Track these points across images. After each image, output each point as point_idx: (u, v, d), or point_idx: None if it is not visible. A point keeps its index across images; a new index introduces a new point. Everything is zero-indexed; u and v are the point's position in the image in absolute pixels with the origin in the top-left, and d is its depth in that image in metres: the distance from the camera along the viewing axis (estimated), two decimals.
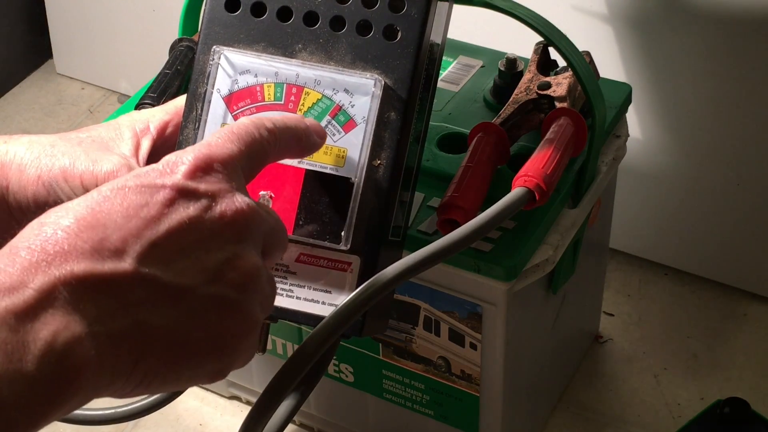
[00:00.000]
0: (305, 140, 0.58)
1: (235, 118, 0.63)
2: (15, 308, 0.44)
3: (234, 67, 0.63)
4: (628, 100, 1.03)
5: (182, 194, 0.50)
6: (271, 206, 0.62)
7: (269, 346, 1.08)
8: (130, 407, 0.74)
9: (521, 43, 1.01)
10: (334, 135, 0.62)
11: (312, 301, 0.64)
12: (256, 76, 0.63)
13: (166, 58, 0.92)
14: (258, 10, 0.64)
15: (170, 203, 0.49)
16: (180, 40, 0.94)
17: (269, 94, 0.63)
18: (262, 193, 0.63)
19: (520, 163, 0.82)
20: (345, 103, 0.63)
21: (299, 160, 0.63)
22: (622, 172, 1.14)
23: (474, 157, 0.87)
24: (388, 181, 0.62)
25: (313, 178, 0.63)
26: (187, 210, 0.49)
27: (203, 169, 0.51)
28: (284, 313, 0.64)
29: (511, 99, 0.94)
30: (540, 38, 0.90)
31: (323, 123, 0.62)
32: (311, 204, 0.63)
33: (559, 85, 0.93)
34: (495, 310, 0.92)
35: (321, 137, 0.60)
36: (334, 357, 1.03)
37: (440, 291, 0.94)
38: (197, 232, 0.49)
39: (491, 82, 1.03)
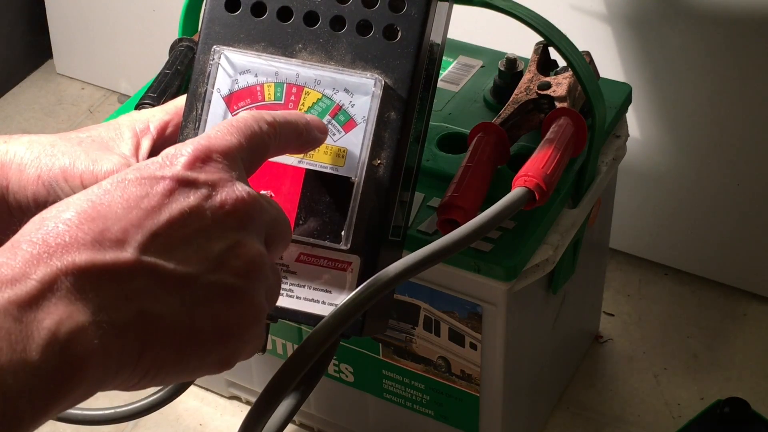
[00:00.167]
0: (306, 135, 0.58)
1: None
2: (17, 299, 0.44)
3: (234, 66, 0.63)
4: (628, 100, 1.03)
5: (182, 184, 0.50)
6: None
7: (269, 346, 1.08)
8: (130, 407, 0.74)
9: (521, 43, 1.01)
10: (334, 135, 0.62)
11: (312, 300, 0.64)
12: (256, 75, 0.63)
13: (166, 58, 0.92)
14: (258, 9, 0.64)
15: (170, 193, 0.50)
16: (180, 40, 0.94)
17: (269, 94, 0.63)
18: (262, 192, 0.63)
19: (520, 163, 0.82)
20: (345, 102, 0.63)
21: (299, 159, 0.63)
22: (622, 172, 1.14)
23: (474, 157, 0.87)
24: (388, 180, 0.62)
25: (313, 177, 0.63)
26: (188, 199, 0.50)
27: (202, 159, 0.51)
28: (284, 313, 0.64)
29: (511, 99, 0.94)
30: (540, 38, 0.90)
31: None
32: (311, 203, 0.63)
33: (559, 85, 0.93)
34: (495, 310, 0.92)
35: (322, 132, 0.60)
36: (334, 357, 1.03)
37: (440, 291, 0.94)
38: (198, 221, 0.50)
39: (491, 82, 1.03)
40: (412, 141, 0.64)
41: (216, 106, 0.63)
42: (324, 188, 0.63)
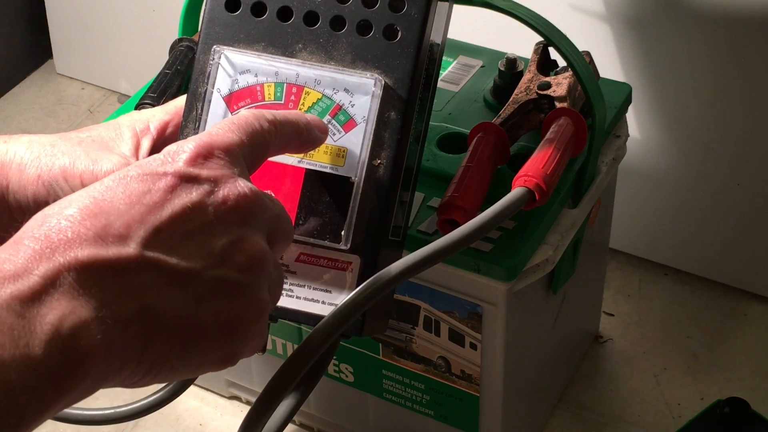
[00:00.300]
0: (306, 134, 0.59)
1: None
2: (20, 294, 0.44)
3: (234, 66, 0.63)
4: (628, 100, 1.03)
5: (184, 180, 0.50)
6: None
7: (269, 346, 1.08)
8: (130, 407, 0.74)
9: (521, 43, 1.01)
10: (334, 134, 0.62)
11: (312, 300, 0.63)
12: (256, 75, 0.63)
13: (166, 58, 0.92)
14: (258, 9, 0.64)
15: (172, 189, 0.50)
16: (180, 40, 0.94)
17: (269, 94, 0.63)
18: None
19: (520, 163, 0.82)
20: (345, 102, 0.63)
21: (299, 159, 0.63)
22: (622, 172, 1.14)
23: (474, 157, 0.87)
24: (388, 180, 0.62)
25: (313, 177, 0.63)
26: (190, 195, 0.50)
27: (204, 156, 0.51)
28: (284, 313, 0.64)
29: (511, 99, 0.94)
30: (540, 38, 0.90)
31: None
32: (311, 203, 0.63)
33: (559, 85, 0.93)
34: (495, 310, 0.92)
35: (323, 132, 0.60)
36: (334, 357, 1.03)
37: (440, 291, 0.94)
38: (201, 217, 0.50)
39: (491, 82, 1.03)
40: (412, 141, 0.64)
41: (216, 106, 0.63)
42: (324, 188, 0.63)
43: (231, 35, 0.64)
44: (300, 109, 0.63)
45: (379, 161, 0.63)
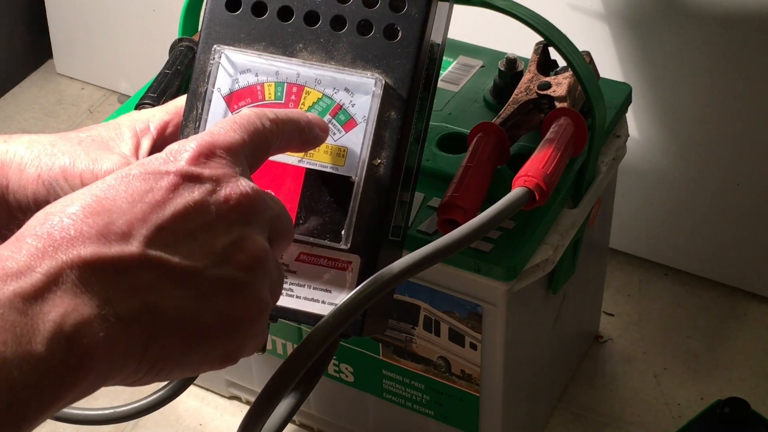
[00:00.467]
0: (308, 132, 0.59)
1: None
2: (23, 291, 0.44)
3: (234, 66, 0.63)
4: (628, 100, 1.03)
5: (186, 179, 0.50)
6: None
7: (269, 346, 1.08)
8: (130, 407, 0.74)
9: (521, 43, 1.01)
10: (334, 134, 0.62)
11: (312, 300, 0.63)
12: (256, 75, 0.63)
13: (166, 58, 0.92)
14: (259, 9, 0.64)
15: (174, 188, 0.50)
16: (180, 40, 0.94)
17: (270, 93, 0.63)
18: None
19: (520, 163, 0.82)
20: (345, 102, 0.63)
21: (299, 159, 0.63)
22: (622, 172, 1.14)
23: (474, 157, 0.87)
24: (389, 180, 0.62)
25: (314, 177, 0.63)
26: (192, 194, 0.50)
27: (206, 155, 0.51)
28: (284, 313, 0.64)
29: (511, 99, 0.94)
30: (540, 38, 0.90)
31: None
32: (311, 203, 0.63)
33: (559, 85, 0.93)
34: (495, 310, 0.92)
35: (323, 131, 0.60)
36: (334, 357, 1.03)
37: (440, 291, 0.94)
38: (203, 216, 0.50)
39: (491, 82, 1.03)
40: (412, 141, 0.64)
41: (216, 106, 0.63)
42: (324, 188, 0.63)
43: (231, 35, 0.64)
44: (300, 109, 0.63)
45: (379, 161, 0.63)
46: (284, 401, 0.62)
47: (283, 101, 0.63)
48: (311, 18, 0.64)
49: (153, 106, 0.84)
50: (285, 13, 0.64)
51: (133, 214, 0.48)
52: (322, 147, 0.63)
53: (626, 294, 1.29)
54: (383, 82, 0.62)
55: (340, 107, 0.63)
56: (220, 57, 0.64)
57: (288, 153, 0.63)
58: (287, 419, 0.62)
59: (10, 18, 1.59)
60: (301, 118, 0.58)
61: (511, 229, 0.91)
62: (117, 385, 0.48)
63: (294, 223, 0.63)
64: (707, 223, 1.24)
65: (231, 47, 0.64)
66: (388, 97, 0.62)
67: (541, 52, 0.98)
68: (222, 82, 0.63)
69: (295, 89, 0.63)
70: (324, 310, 0.63)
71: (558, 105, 0.92)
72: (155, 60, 1.14)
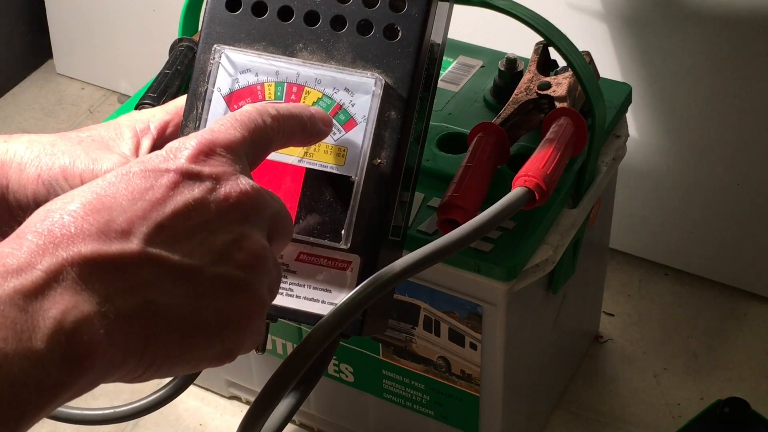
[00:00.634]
0: (310, 127, 0.59)
1: None
2: (23, 288, 0.44)
3: (235, 66, 0.63)
4: (628, 100, 1.03)
5: (186, 177, 0.50)
6: None
7: (269, 346, 1.08)
8: (130, 407, 0.74)
9: (521, 43, 1.01)
10: (334, 134, 0.63)
11: (312, 300, 0.64)
12: (256, 74, 0.63)
13: (166, 58, 0.92)
14: (259, 9, 0.64)
15: (175, 186, 0.50)
16: (180, 40, 0.94)
17: (270, 93, 0.63)
18: None
19: (520, 163, 0.82)
20: (345, 101, 0.63)
21: (299, 158, 0.63)
22: (622, 172, 1.14)
23: (474, 157, 0.87)
24: (389, 179, 0.63)
25: (314, 176, 0.63)
26: (192, 192, 0.50)
27: (206, 153, 0.51)
28: (284, 312, 0.64)
29: (511, 99, 0.94)
30: (540, 38, 0.90)
31: None
32: (311, 202, 0.63)
33: (559, 85, 0.93)
34: (495, 310, 0.92)
35: (327, 125, 0.60)
36: (334, 357, 1.03)
37: (440, 291, 0.94)
38: (203, 214, 0.50)
39: (491, 82, 1.03)
40: (412, 141, 0.65)
41: (216, 105, 0.63)
42: (324, 187, 0.63)
43: (232, 34, 0.64)
44: None
45: (379, 160, 0.63)
46: (284, 401, 0.62)
47: (283, 101, 0.63)
48: (311, 18, 0.64)
49: (153, 106, 0.84)
50: (285, 13, 0.64)
51: (133, 211, 0.48)
52: (322, 146, 0.63)
53: (626, 294, 1.29)
54: (383, 81, 0.62)
55: (340, 107, 0.63)
56: (221, 57, 0.64)
57: (288, 152, 0.63)
58: (287, 419, 0.62)
59: (10, 18, 1.59)
60: (303, 113, 0.58)
61: (511, 229, 0.91)
62: (117, 381, 0.48)
63: (294, 223, 0.63)
64: (707, 223, 1.24)
65: (231, 47, 0.64)
66: (388, 97, 0.62)
67: (541, 52, 0.98)
68: (222, 82, 0.63)
69: (295, 89, 0.63)
70: (324, 309, 0.63)
71: (558, 105, 0.92)
72: (155, 60, 1.14)
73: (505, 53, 1.01)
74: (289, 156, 0.63)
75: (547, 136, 0.87)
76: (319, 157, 0.63)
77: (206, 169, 0.51)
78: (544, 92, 0.93)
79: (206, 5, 0.65)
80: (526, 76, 0.96)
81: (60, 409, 0.73)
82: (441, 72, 1.03)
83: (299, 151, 0.63)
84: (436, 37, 0.66)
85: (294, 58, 0.63)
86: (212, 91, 0.63)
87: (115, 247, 0.47)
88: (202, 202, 0.50)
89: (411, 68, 0.63)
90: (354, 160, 0.62)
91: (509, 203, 0.71)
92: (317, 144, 0.62)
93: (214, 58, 0.64)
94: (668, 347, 1.23)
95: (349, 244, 0.62)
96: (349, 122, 0.63)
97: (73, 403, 0.72)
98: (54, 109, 1.58)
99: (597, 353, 1.22)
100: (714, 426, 1.07)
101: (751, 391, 1.17)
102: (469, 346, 0.96)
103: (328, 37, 0.63)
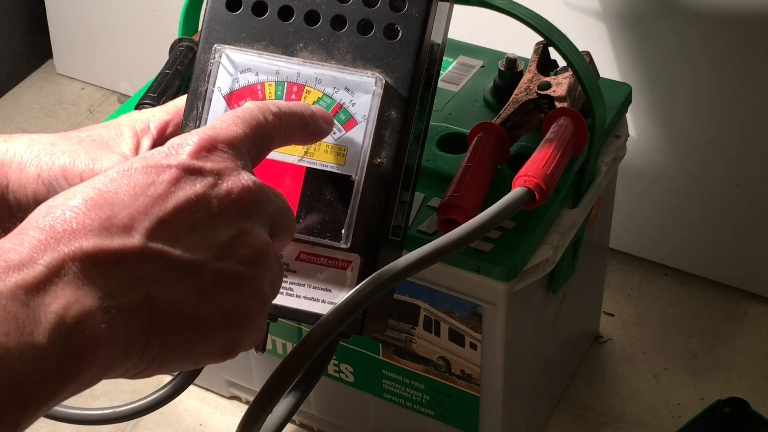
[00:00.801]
0: (312, 125, 0.59)
1: None
2: (24, 283, 0.44)
3: (235, 65, 0.63)
4: (628, 100, 1.03)
5: (188, 172, 0.50)
6: None
7: (269, 345, 1.08)
8: (130, 407, 0.74)
9: (521, 43, 1.01)
10: (334, 133, 0.63)
11: (312, 299, 0.64)
12: (257, 74, 0.63)
13: (166, 58, 0.92)
14: (259, 9, 0.64)
15: (176, 181, 0.50)
16: (180, 40, 0.94)
17: (270, 93, 0.63)
18: None
19: (520, 163, 0.82)
20: (346, 101, 0.63)
21: (300, 158, 0.63)
22: (622, 172, 1.14)
23: (474, 157, 0.87)
24: (389, 179, 0.63)
25: (314, 176, 0.63)
26: (194, 187, 0.50)
27: (208, 148, 0.52)
28: (284, 312, 0.64)
29: (511, 99, 0.94)
30: (540, 38, 0.90)
31: None
32: (311, 202, 0.63)
33: (559, 85, 0.93)
34: (495, 310, 0.92)
35: (328, 123, 0.60)
36: (334, 357, 1.03)
37: (440, 291, 0.94)
38: (205, 209, 0.50)
39: (491, 82, 1.03)
40: (412, 141, 0.65)
41: (217, 105, 0.63)
42: (324, 187, 0.63)
43: (232, 34, 0.64)
44: None
45: (379, 160, 0.63)
46: (284, 401, 0.62)
47: (283, 100, 0.63)
48: (312, 17, 0.64)
49: (153, 106, 0.84)
50: (285, 13, 0.64)
51: (135, 207, 0.48)
52: (323, 146, 0.63)
53: (626, 294, 1.29)
54: (383, 81, 0.62)
55: (341, 106, 0.63)
56: (221, 56, 0.64)
57: (288, 151, 0.63)
58: (287, 419, 0.62)
59: (10, 18, 1.59)
60: (304, 111, 0.58)
61: (511, 229, 0.91)
62: (119, 378, 0.48)
63: None
64: (707, 223, 1.24)
65: (231, 46, 0.64)
66: (388, 97, 0.63)
67: (541, 52, 0.98)
68: (222, 82, 0.63)
69: (295, 88, 0.63)
70: (324, 309, 0.63)
71: (558, 105, 0.92)
72: (155, 60, 1.14)
73: (505, 53, 1.01)
74: (289, 155, 0.63)
75: (547, 136, 0.87)
76: (320, 157, 0.63)
77: (208, 164, 0.51)
78: (544, 92, 0.93)
79: (206, 5, 0.65)
80: (526, 76, 0.96)
81: (60, 409, 0.73)
82: (441, 72, 1.04)
83: (299, 150, 0.63)
84: (436, 37, 0.66)
85: (294, 58, 0.63)
86: (212, 91, 0.64)
87: (117, 241, 0.47)
88: (203, 197, 0.50)
89: (411, 68, 0.63)
90: (354, 160, 0.62)
91: (509, 203, 0.71)
92: (317, 143, 0.62)
93: (214, 57, 0.64)
94: (668, 347, 1.23)
95: (349, 244, 0.62)
96: (350, 122, 0.63)
97: (73, 402, 0.72)
98: (54, 109, 1.59)
99: (597, 353, 1.22)
100: (714, 426, 1.07)
101: (751, 391, 1.17)
102: (469, 346, 0.96)
103: (329, 36, 0.63)
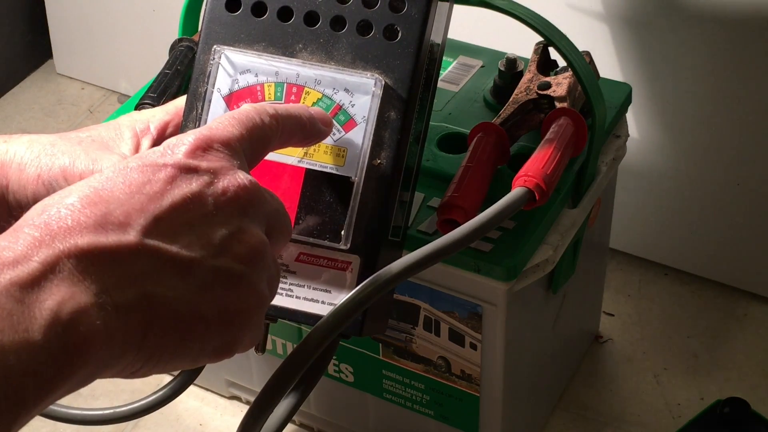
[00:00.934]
0: (310, 127, 0.59)
1: None
2: (19, 280, 0.44)
3: (234, 66, 0.63)
4: (628, 100, 1.03)
5: (184, 171, 0.50)
6: None
7: (269, 346, 1.08)
8: (129, 407, 0.74)
9: (521, 43, 1.01)
10: (334, 134, 0.63)
11: (311, 300, 0.64)
12: (256, 75, 0.63)
13: (166, 58, 0.92)
14: (258, 10, 0.64)
15: (172, 180, 0.50)
16: (180, 40, 0.94)
17: (269, 94, 0.63)
18: None
19: (520, 163, 0.82)
20: (345, 102, 0.63)
21: (299, 159, 0.63)
22: (622, 172, 1.14)
23: (474, 157, 0.87)
24: (389, 180, 0.63)
25: (313, 177, 0.63)
26: (190, 186, 0.50)
27: (203, 148, 0.52)
28: (284, 313, 0.64)
29: (511, 99, 0.94)
30: (540, 38, 0.90)
31: None
32: (311, 203, 0.63)
33: (559, 85, 0.93)
34: (495, 310, 0.92)
35: (327, 125, 0.60)
36: (334, 357, 1.03)
37: (440, 291, 0.94)
38: (200, 207, 0.50)
39: (491, 82, 1.03)
40: (412, 141, 0.65)
41: (216, 106, 0.63)
42: (324, 188, 0.63)
43: (231, 35, 0.64)
44: None
45: (379, 161, 0.63)
46: (284, 401, 0.62)
47: (282, 101, 0.63)
48: (311, 18, 0.64)
49: (153, 106, 0.84)
50: (285, 14, 0.64)
51: (130, 204, 0.48)
52: (322, 147, 0.63)
53: (626, 294, 1.29)
54: (383, 82, 0.62)
55: (340, 107, 0.63)
56: (220, 57, 0.64)
57: (288, 153, 0.63)
58: (287, 419, 0.62)
59: (10, 18, 1.59)
60: (302, 113, 0.58)
61: (511, 229, 0.91)
62: (115, 377, 0.48)
63: (293, 224, 0.63)
64: (707, 223, 1.24)
65: (231, 47, 0.64)
66: (387, 98, 0.63)
67: (541, 52, 0.98)
68: (222, 83, 0.63)
69: (294, 89, 0.63)
70: (324, 310, 0.63)
71: (558, 105, 0.92)
72: (155, 60, 1.14)
73: (505, 53, 1.01)
74: (288, 156, 0.63)
75: (547, 136, 0.87)
76: (319, 158, 0.63)
77: (204, 163, 0.51)
78: (544, 92, 0.93)
79: (206, 5, 0.65)
80: (526, 76, 0.96)
81: (60, 409, 0.73)
82: (441, 72, 1.04)
83: (299, 151, 0.63)
84: (436, 37, 0.66)
85: (294, 59, 0.63)
86: (212, 92, 0.64)
87: (112, 238, 0.47)
88: (199, 195, 0.50)
89: (411, 68, 0.63)
90: (354, 161, 0.62)
91: (509, 203, 0.71)
92: (317, 144, 0.62)
93: (213, 58, 0.64)
94: (668, 347, 1.23)
95: (348, 245, 0.62)
96: (349, 123, 0.63)
97: (73, 402, 0.72)
98: (54, 109, 1.59)
99: (597, 353, 1.22)
100: (714, 426, 1.07)
101: (751, 391, 1.17)
102: (469, 346, 0.96)
103: (328, 37, 0.63)
